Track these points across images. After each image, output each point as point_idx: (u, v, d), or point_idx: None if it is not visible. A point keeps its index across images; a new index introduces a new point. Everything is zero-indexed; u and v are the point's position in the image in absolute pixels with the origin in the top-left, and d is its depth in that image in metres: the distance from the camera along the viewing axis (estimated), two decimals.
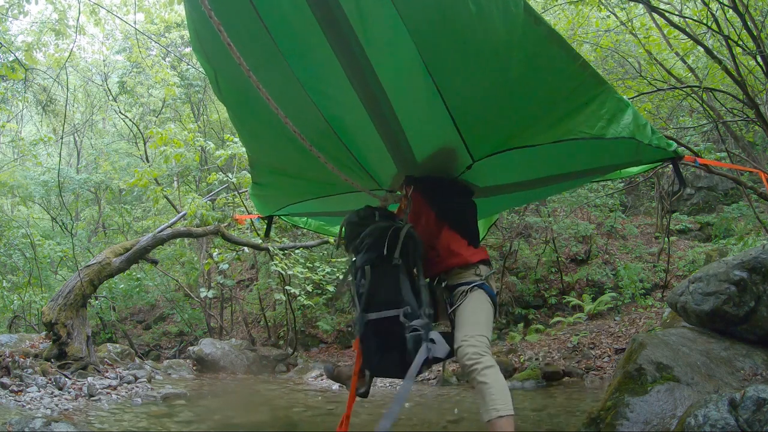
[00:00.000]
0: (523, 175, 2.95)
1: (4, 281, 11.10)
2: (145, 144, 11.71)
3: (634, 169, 3.16)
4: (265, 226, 4.03)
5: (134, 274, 11.45)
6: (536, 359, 6.87)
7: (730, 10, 5.13)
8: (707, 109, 6.76)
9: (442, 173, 2.72)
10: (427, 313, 2.28)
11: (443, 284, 2.53)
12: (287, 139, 2.66)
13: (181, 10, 8.97)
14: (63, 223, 13.35)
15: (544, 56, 1.94)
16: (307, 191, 3.29)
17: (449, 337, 2.35)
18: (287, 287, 8.96)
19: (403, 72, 2.08)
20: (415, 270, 2.42)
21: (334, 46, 1.94)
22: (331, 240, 9.36)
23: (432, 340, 2.14)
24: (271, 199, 3.58)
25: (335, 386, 6.99)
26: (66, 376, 5.91)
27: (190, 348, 9.47)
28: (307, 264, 9.37)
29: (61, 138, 7.01)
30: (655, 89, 6.23)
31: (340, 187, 3.13)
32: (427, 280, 2.53)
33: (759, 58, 4.98)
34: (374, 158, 2.78)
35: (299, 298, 8.80)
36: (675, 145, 2.37)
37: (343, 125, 2.52)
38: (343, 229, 2.58)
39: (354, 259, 2.45)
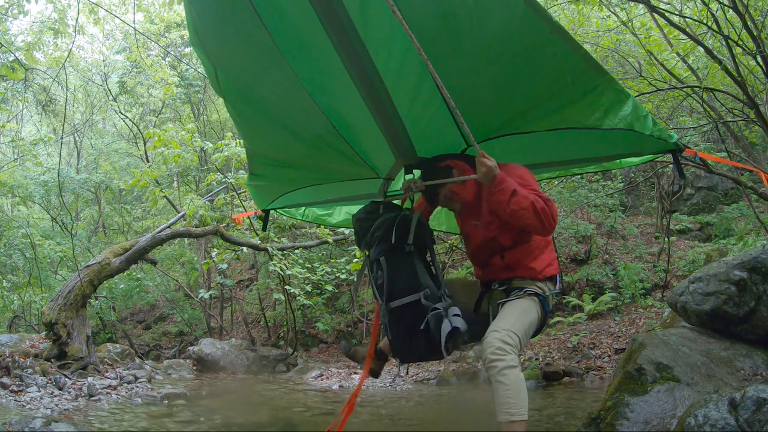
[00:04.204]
0: (520, 161, 2.96)
1: (4, 281, 11.11)
2: (144, 144, 11.71)
3: (635, 160, 3.16)
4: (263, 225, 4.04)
5: (134, 274, 11.47)
6: (536, 359, 6.87)
7: (730, 10, 5.13)
8: (707, 109, 6.75)
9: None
10: (447, 294, 2.31)
11: (500, 288, 2.44)
12: (288, 130, 2.67)
13: (180, 9, 8.95)
14: (63, 223, 13.35)
15: (544, 46, 1.94)
16: (305, 179, 3.30)
17: (474, 321, 2.34)
18: (287, 287, 8.97)
19: (400, 64, 2.08)
20: (428, 254, 2.45)
21: (335, 40, 1.93)
22: (330, 240, 9.39)
23: (456, 315, 2.14)
24: (269, 189, 3.57)
25: (335, 386, 6.99)
26: (66, 376, 5.91)
27: (190, 348, 9.47)
28: (306, 264, 9.37)
29: (61, 138, 7.01)
30: (656, 89, 6.23)
31: (338, 174, 3.15)
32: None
33: (759, 58, 4.98)
34: (372, 149, 2.78)
35: (299, 297, 8.81)
36: (676, 137, 2.39)
37: (340, 117, 2.52)
38: (354, 228, 2.63)
39: (368, 253, 2.48)
